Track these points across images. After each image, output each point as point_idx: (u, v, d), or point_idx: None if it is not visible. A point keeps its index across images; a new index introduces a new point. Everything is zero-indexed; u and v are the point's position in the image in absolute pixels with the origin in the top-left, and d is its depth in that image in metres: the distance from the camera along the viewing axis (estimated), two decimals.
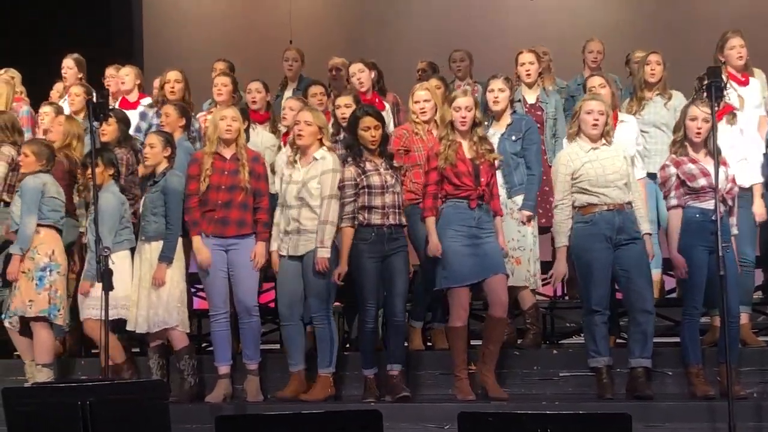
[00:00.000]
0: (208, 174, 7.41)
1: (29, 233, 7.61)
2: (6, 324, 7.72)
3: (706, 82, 6.69)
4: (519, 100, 8.27)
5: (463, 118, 7.15)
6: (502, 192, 7.53)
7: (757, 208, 7.71)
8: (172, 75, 8.77)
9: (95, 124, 7.14)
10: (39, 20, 11.79)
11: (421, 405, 7.14)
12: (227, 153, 7.50)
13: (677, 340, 7.77)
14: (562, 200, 7.11)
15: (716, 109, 6.73)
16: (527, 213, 7.62)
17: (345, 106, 7.94)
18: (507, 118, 7.79)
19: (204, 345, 8.77)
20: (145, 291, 7.50)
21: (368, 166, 7.20)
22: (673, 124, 7.38)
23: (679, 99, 8.03)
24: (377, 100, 8.64)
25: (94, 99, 7.16)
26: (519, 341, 7.78)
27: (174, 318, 7.52)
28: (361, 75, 8.58)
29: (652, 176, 7.83)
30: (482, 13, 12.16)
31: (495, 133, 7.73)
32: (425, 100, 7.83)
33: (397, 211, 7.22)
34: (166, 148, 7.60)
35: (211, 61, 9.65)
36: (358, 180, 7.17)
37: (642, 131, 8.05)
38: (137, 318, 7.52)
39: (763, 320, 8.65)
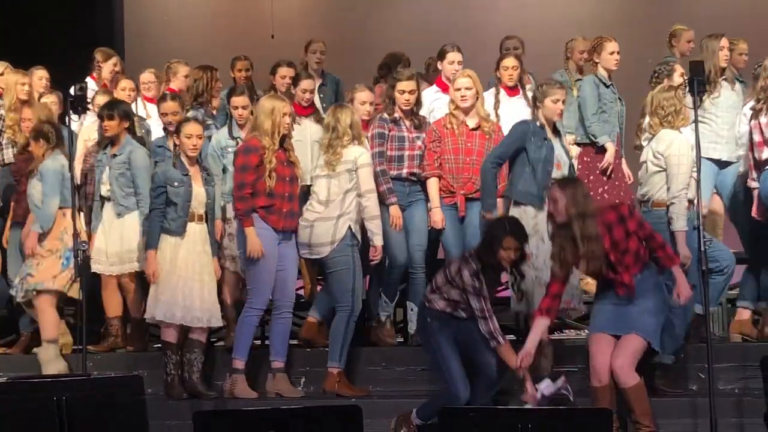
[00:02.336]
0: (273, 167, 7.17)
1: (50, 213, 7.70)
2: (20, 298, 7.74)
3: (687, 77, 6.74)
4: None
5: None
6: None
7: None
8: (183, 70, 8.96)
9: (74, 117, 7.08)
10: (17, 20, 11.71)
11: (402, 401, 7.08)
12: (277, 144, 7.28)
13: None
14: (689, 185, 7.02)
15: (699, 103, 6.73)
16: None
17: (409, 92, 7.71)
18: None
19: None
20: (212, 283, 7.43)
21: (486, 280, 6.71)
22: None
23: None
24: None
25: (72, 92, 7.11)
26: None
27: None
28: (459, 66, 8.20)
29: (723, 164, 7.96)
30: (467, 7, 12.14)
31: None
32: (467, 88, 7.62)
33: None
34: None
35: (192, 59, 9.54)
36: None
37: (714, 116, 8.03)
38: (198, 312, 7.33)
39: None
